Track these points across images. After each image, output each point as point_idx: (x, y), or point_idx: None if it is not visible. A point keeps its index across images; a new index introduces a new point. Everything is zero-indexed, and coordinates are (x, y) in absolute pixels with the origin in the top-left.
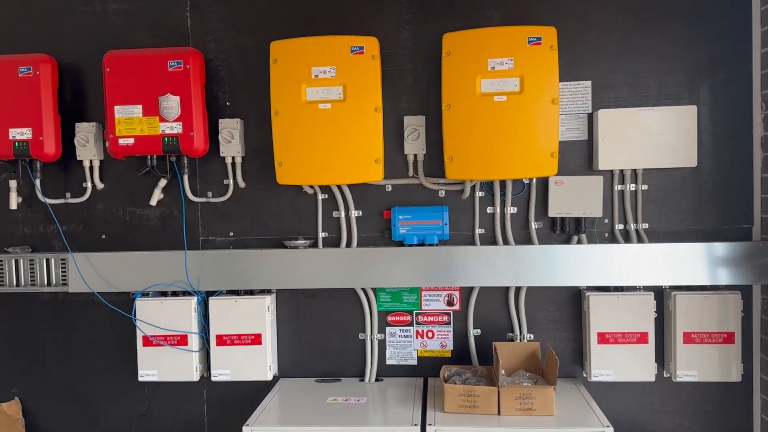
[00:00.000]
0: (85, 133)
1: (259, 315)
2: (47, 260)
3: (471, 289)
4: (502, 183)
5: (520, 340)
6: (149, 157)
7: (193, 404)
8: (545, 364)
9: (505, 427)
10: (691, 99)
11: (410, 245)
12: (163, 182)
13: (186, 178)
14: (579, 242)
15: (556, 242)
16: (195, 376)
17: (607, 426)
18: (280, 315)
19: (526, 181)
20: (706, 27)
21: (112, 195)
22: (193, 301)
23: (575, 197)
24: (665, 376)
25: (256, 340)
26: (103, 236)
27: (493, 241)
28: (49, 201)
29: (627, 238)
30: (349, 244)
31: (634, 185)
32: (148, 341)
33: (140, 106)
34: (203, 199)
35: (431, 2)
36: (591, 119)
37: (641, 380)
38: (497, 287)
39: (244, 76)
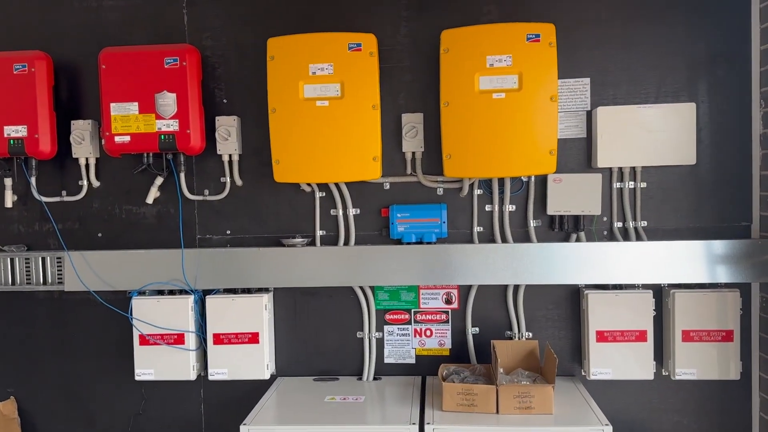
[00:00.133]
0: (80, 130)
1: (257, 313)
2: (43, 259)
3: (469, 287)
4: (501, 181)
5: (519, 339)
6: (145, 154)
7: (190, 403)
8: (544, 363)
9: (503, 426)
10: (690, 96)
11: (408, 243)
12: (159, 180)
13: (183, 176)
14: (578, 240)
15: (554, 240)
16: (192, 375)
17: (606, 424)
18: (278, 313)
19: (524, 179)
20: (706, 24)
21: (109, 193)
22: (190, 299)
23: (574, 195)
24: (664, 374)
25: (254, 338)
26: (99, 234)
27: (492, 239)
28: (44, 199)
29: (626, 236)
30: (346, 243)
31: (633, 183)
32: (144, 340)
33: (136, 104)
34: (200, 197)
35: None
36: (590, 116)
37: (640, 378)
38: (496, 285)
39: (241, 73)
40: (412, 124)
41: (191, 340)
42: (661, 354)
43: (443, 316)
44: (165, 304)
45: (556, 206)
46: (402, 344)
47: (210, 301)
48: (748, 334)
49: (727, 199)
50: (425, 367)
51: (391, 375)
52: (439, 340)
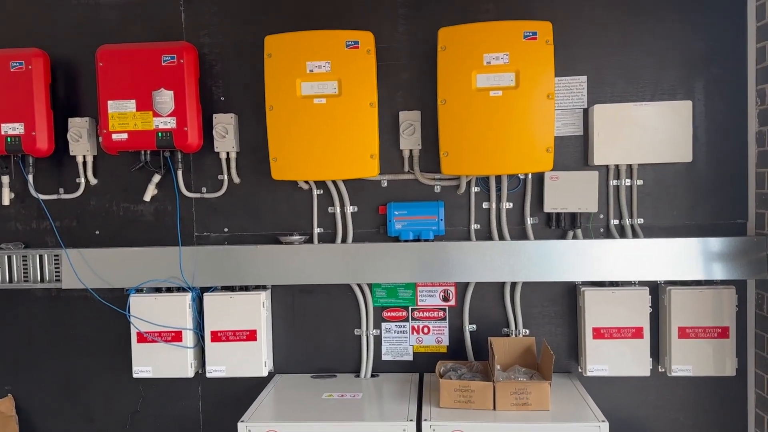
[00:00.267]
0: (78, 128)
1: (254, 311)
2: (40, 256)
3: (467, 284)
4: (498, 178)
5: (516, 336)
6: (143, 152)
7: (188, 401)
8: (540, 359)
9: (500, 422)
10: (686, 94)
11: (406, 241)
12: (157, 178)
13: (180, 173)
14: (574, 237)
15: (551, 237)
16: (190, 373)
17: (603, 420)
18: (275, 311)
19: (521, 177)
20: (702, 22)
21: (106, 190)
22: (188, 297)
23: (571, 192)
24: (660, 370)
25: (251, 336)
26: (97, 232)
27: (489, 237)
28: (41, 197)
29: (622, 234)
30: (344, 240)
31: (629, 180)
32: (142, 338)
33: (134, 101)
34: (197, 195)
35: None
36: (586, 114)
37: (636, 375)
38: (493, 283)
39: (239, 70)
40: (409, 121)
41: (189, 338)
42: (657, 351)
43: (441, 314)
44: (163, 302)
45: (553, 204)
46: (399, 341)
47: (208, 298)
48: (743, 331)
49: (723, 196)
50: (423, 364)
51: (388, 372)
52: (436, 337)
